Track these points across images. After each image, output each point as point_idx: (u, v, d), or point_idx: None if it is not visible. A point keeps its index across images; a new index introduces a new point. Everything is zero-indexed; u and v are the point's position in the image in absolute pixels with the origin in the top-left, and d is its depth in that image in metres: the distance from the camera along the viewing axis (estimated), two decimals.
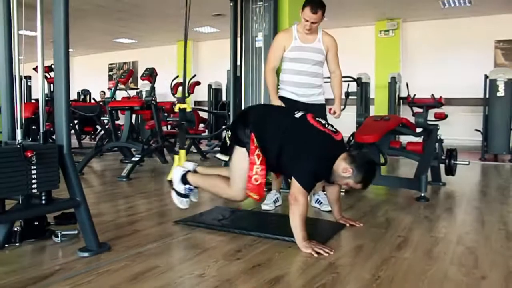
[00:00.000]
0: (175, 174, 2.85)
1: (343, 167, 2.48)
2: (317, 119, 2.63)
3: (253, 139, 2.55)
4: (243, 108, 4.73)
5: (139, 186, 4.39)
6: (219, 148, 2.70)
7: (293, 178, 2.45)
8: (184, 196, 2.86)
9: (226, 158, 2.69)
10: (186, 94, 7.68)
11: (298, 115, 2.66)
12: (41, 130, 2.25)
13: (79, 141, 8.17)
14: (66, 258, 2.19)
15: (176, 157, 3.04)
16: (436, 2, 8.42)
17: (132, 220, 3.04)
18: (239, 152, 2.61)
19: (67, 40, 2.26)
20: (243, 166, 2.58)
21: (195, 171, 2.93)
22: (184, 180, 2.83)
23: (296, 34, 3.37)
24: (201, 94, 11.67)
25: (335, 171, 2.52)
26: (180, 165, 2.95)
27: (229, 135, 2.70)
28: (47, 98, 6.07)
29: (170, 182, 2.90)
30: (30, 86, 8.15)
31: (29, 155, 2.03)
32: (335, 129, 2.63)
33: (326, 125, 2.60)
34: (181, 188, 2.84)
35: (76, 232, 2.51)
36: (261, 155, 2.55)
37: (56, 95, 2.31)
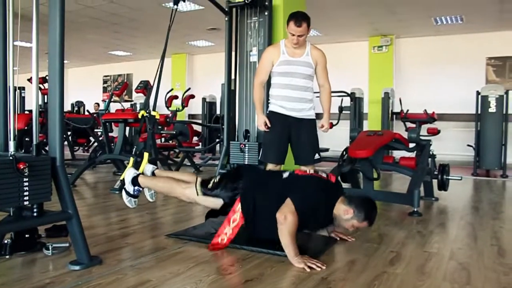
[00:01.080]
0: (127, 176, 3.02)
1: (343, 209, 2.53)
2: (305, 170, 2.83)
3: (237, 203, 2.64)
4: (237, 121, 4.75)
5: None
6: (203, 185, 2.79)
7: (288, 199, 2.47)
8: (133, 196, 3.03)
9: (200, 193, 2.77)
10: (180, 108, 7.72)
11: (285, 174, 2.73)
12: (34, 142, 2.24)
13: (72, 152, 8.13)
14: (57, 271, 2.17)
15: (131, 159, 3.11)
16: (429, 19, 8.54)
17: (124, 233, 3.02)
18: (215, 200, 2.75)
19: (62, 52, 2.27)
20: (209, 203, 2.79)
21: (153, 174, 3.12)
22: (134, 182, 2.98)
23: (284, 49, 3.39)
24: (195, 107, 11.69)
25: (336, 216, 2.56)
26: (131, 167, 3.08)
27: (216, 180, 2.79)
28: (40, 110, 6.05)
29: (122, 181, 3.04)
30: (24, 97, 8.12)
31: (22, 167, 2.01)
32: (326, 174, 2.73)
33: (318, 172, 2.75)
34: (131, 189, 3.00)
35: (67, 245, 2.48)
36: (237, 219, 2.63)
37: (50, 107, 2.31)
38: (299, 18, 3.23)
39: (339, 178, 2.77)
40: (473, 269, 2.36)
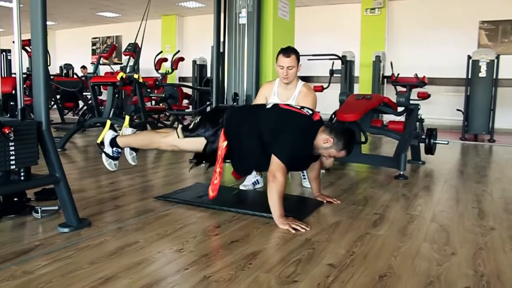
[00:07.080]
0: (106, 138, 3.00)
1: (323, 139, 2.56)
2: (290, 104, 2.73)
3: (221, 138, 2.63)
4: (225, 84, 4.73)
5: (121, 162, 4.30)
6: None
7: (272, 155, 2.49)
8: (113, 158, 3.00)
9: (181, 135, 2.74)
10: (170, 70, 7.64)
11: (269, 106, 2.76)
12: (19, 106, 2.23)
13: (62, 116, 8.08)
14: (46, 234, 2.21)
15: (108, 122, 3.08)
16: None
17: (113, 196, 3.06)
18: (197, 140, 2.71)
19: (44, 11, 2.22)
20: (192, 145, 2.76)
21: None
22: (112, 143, 2.96)
23: (277, 89, 3.32)
24: (185, 70, 11.56)
25: (316, 145, 2.59)
26: (109, 129, 3.07)
27: (197, 121, 2.77)
28: (28, 73, 5.97)
29: (100, 144, 3.02)
30: (10, 60, 7.97)
31: (7, 132, 2.01)
32: (312, 111, 2.72)
33: (303, 108, 2.69)
34: (110, 150, 2.98)
35: (56, 208, 2.52)
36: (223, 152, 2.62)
37: (33, 70, 2.28)
38: (288, 49, 3.20)
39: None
40: (452, 230, 2.43)
